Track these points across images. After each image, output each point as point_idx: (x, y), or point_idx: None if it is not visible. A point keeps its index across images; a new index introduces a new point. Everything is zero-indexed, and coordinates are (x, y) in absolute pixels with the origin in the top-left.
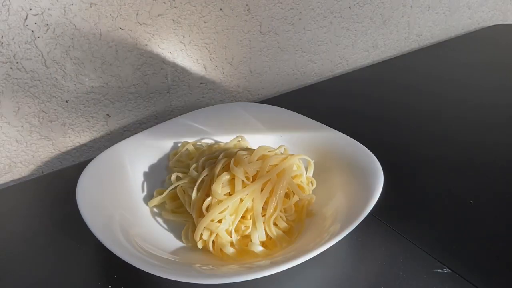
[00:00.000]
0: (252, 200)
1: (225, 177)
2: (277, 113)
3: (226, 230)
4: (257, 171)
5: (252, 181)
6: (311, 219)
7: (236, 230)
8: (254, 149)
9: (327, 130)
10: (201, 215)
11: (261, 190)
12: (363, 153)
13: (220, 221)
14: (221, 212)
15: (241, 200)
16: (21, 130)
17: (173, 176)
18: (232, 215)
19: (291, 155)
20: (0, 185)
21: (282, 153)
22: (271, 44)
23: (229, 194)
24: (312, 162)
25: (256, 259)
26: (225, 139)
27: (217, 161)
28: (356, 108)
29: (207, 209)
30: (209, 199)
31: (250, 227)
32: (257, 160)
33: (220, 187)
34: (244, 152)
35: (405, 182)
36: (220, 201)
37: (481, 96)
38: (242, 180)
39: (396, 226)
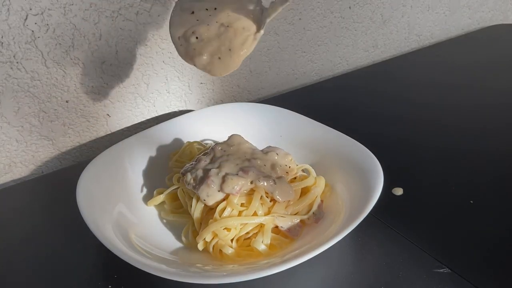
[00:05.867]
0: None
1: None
2: (277, 113)
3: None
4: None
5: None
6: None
7: (238, 239)
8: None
9: (327, 130)
10: (204, 218)
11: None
12: (363, 153)
13: (228, 229)
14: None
15: (255, 213)
16: (21, 130)
17: (175, 177)
18: (241, 225)
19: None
20: (0, 185)
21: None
22: (271, 44)
23: (244, 204)
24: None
25: (256, 259)
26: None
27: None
28: (356, 108)
29: (220, 213)
30: (223, 203)
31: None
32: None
33: (237, 197)
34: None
35: (405, 182)
36: (240, 213)
37: (481, 96)
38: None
39: (396, 226)
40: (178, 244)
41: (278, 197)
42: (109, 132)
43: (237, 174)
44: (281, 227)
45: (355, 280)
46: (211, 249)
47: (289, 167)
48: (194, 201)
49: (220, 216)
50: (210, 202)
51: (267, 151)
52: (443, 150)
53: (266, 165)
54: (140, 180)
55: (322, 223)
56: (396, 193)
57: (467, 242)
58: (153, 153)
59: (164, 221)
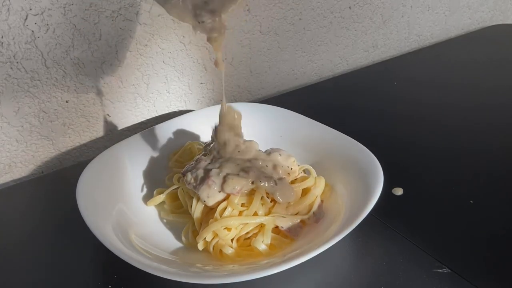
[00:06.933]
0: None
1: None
2: (277, 113)
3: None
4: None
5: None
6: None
7: (238, 239)
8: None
9: (327, 130)
10: (204, 218)
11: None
12: (363, 153)
13: (229, 229)
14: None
15: (255, 213)
16: (21, 130)
17: (175, 177)
18: (242, 225)
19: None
20: (0, 185)
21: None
22: (271, 44)
23: (244, 204)
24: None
25: (256, 259)
26: None
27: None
28: (356, 108)
29: (220, 212)
30: (224, 203)
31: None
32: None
33: (238, 197)
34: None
35: (405, 182)
36: (240, 213)
37: (481, 96)
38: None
39: (396, 226)
40: (178, 244)
41: (279, 198)
42: (109, 132)
43: (238, 175)
44: (282, 227)
45: (355, 280)
46: (211, 249)
47: (291, 168)
48: (194, 201)
49: (220, 216)
50: (211, 202)
51: (269, 152)
52: (443, 150)
53: (268, 166)
54: (140, 180)
55: (322, 223)
56: (396, 193)
57: (467, 242)
58: (153, 153)
59: (164, 221)
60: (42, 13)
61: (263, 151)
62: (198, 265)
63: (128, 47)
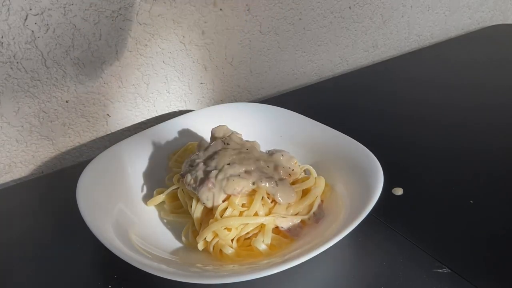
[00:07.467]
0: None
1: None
2: (277, 113)
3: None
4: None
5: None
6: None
7: (238, 239)
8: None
9: (327, 130)
10: (204, 219)
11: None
12: (363, 153)
13: (229, 229)
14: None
15: (256, 214)
16: (21, 130)
17: (175, 177)
18: (242, 225)
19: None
20: (0, 185)
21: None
22: (271, 44)
23: (245, 205)
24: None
25: (256, 259)
26: None
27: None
28: (355, 108)
29: (220, 213)
30: (225, 204)
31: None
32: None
33: (238, 197)
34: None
35: (405, 182)
36: (240, 213)
37: (481, 96)
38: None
39: (396, 226)
40: (178, 244)
41: (279, 199)
42: (109, 132)
43: (239, 175)
44: (282, 227)
45: (355, 280)
46: (211, 249)
47: (293, 170)
48: (194, 201)
49: (221, 216)
50: (211, 204)
51: (272, 152)
52: (443, 150)
53: (270, 167)
54: (140, 180)
55: (322, 223)
56: (396, 193)
57: (467, 242)
58: (153, 153)
59: (164, 221)
60: (42, 13)
61: (265, 151)
62: (198, 265)
63: (128, 47)
